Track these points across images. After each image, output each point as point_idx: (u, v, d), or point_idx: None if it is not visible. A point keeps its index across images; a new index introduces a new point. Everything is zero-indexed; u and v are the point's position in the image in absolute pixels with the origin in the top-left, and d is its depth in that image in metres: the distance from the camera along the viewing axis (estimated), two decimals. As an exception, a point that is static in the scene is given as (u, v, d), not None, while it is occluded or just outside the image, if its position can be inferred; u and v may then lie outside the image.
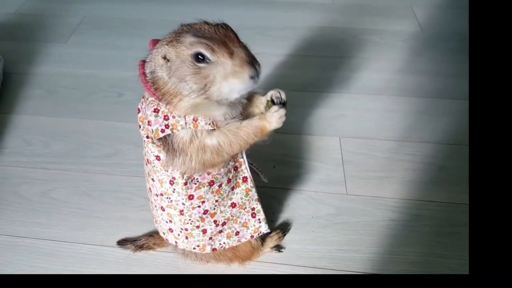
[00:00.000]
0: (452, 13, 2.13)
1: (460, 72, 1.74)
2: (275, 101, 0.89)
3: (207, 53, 0.73)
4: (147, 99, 0.84)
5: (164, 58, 0.77)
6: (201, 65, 0.74)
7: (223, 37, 0.75)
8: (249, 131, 0.85)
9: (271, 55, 1.83)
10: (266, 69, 1.76)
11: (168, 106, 0.80)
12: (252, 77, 0.75)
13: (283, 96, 0.89)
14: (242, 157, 0.94)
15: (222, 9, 2.19)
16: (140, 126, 0.87)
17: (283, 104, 0.88)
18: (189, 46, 0.74)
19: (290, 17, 2.14)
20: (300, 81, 1.71)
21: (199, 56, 0.74)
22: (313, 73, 1.76)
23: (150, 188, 0.96)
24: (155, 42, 0.86)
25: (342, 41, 1.96)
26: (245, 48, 0.77)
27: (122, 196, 1.28)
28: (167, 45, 0.77)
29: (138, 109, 0.87)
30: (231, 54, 0.74)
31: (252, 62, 0.75)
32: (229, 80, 0.75)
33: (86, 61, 1.85)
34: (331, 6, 2.22)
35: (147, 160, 0.90)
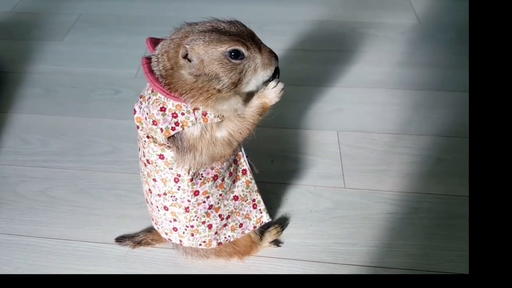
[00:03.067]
0: (450, 5, 2.12)
1: (458, 63, 1.73)
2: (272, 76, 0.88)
3: (243, 50, 0.77)
4: (149, 98, 0.82)
5: (185, 57, 0.77)
6: (236, 61, 0.77)
7: (248, 33, 0.79)
8: (253, 112, 0.86)
9: (268, 50, 1.82)
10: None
11: (191, 103, 0.79)
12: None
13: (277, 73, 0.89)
14: (241, 150, 0.95)
15: (220, 4, 2.18)
16: (138, 127, 0.86)
17: (275, 76, 0.87)
18: (223, 44, 0.76)
19: (287, 11, 2.13)
20: (298, 75, 1.70)
21: (233, 53, 0.76)
22: (311, 67, 1.76)
23: (150, 190, 0.95)
24: (153, 40, 0.85)
25: (340, 34, 1.95)
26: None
27: (121, 193, 1.28)
28: (187, 45, 0.76)
29: (134, 110, 0.86)
30: (260, 49, 0.79)
31: (275, 54, 0.81)
32: (259, 73, 0.80)
33: (83, 59, 1.84)
34: (328, -1, 2.21)
35: (147, 160, 0.89)
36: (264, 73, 0.81)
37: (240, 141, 0.88)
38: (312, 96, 1.61)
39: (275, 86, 0.85)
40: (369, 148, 1.40)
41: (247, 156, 0.97)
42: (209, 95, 0.78)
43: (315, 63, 1.78)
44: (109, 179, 1.32)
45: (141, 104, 0.84)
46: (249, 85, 0.82)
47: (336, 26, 2.00)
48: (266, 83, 0.86)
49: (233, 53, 0.76)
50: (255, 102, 0.86)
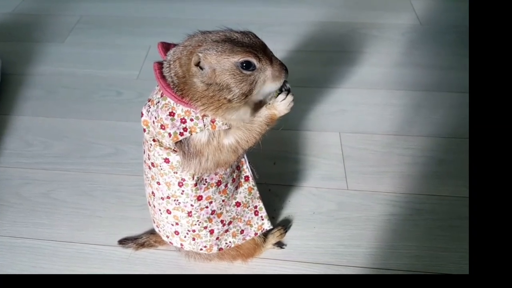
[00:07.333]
0: (451, 6, 2.12)
1: (459, 64, 1.74)
2: (282, 88, 0.89)
3: (255, 62, 0.77)
4: (157, 103, 0.82)
5: (197, 65, 0.78)
6: (247, 72, 0.78)
7: (260, 45, 0.80)
8: (261, 122, 0.87)
9: (270, 51, 1.83)
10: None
11: (201, 111, 0.79)
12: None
13: (287, 83, 0.91)
14: (244, 157, 0.95)
15: (221, 6, 2.18)
16: (144, 130, 0.86)
17: (287, 91, 0.89)
18: (235, 55, 0.76)
19: (288, 12, 2.13)
20: (299, 76, 1.70)
21: (244, 64, 0.77)
22: (313, 68, 1.76)
23: (153, 192, 0.95)
24: (164, 45, 0.85)
25: (341, 35, 1.95)
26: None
27: (123, 195, 1.28)
28: (200, 53, 0.77)
29: (142, 113, 0.86)
30: (271, 61, 0.80)
31: (286, 67, 0.82)
32: (268, 85, 0.81)
33: (84, 61, 1.84)
34: (330, 0, 2.21)
35: (152, 163, 0.89)
36: (272, 85, 0.82)
37: (246, 149, 0.88)
38: (313, 98, 1.61)
39: (284, 99, 0.86)
40: (371, 149, 1.40)
41: (249, 162, 0.97)
42: (220, 104, 0.78)
43: (316, 64, 1.78)
44: (111, 181, 1.32)
45: (149, 107, 0.85)
46: (258, 96, 0.83)
47: (337, 27, 2.00)
48: (276, 94, 0.87)
49: (244, 64, 0.77)
50: (264, 112, 0.86)
